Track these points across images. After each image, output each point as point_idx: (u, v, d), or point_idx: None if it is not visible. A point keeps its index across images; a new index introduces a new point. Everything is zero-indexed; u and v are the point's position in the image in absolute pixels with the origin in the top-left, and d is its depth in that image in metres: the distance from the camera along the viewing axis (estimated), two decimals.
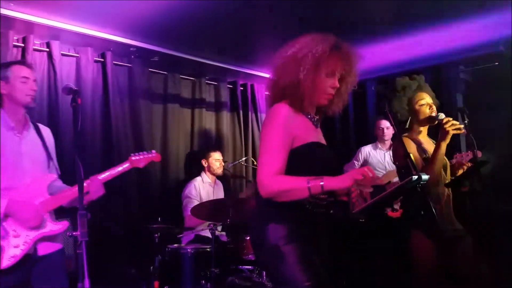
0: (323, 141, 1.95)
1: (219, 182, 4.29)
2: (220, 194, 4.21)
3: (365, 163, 4.58)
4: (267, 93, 1.96)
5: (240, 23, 3.55)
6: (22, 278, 2.19)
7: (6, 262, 2.12)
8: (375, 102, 4.95)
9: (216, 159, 4.17)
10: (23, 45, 3.44)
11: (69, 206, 2.38)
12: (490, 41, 3.92)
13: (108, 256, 3.48)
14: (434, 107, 2.65)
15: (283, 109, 1.79)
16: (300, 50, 1.80)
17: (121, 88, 4.05)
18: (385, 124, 4.21)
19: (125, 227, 3.76)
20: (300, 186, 1.69)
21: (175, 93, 4.49)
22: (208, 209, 3.42)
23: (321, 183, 1.66)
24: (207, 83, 4.80)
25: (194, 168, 4.31)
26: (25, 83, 2.30)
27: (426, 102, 2.64)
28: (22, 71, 2.32)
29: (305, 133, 1.82)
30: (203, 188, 4.08)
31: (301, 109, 1.84)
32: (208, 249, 3.27)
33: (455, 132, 2.45)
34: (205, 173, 4.18)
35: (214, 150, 4.27)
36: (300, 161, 1.78)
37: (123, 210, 3.82)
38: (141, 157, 2.67)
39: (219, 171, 4.20)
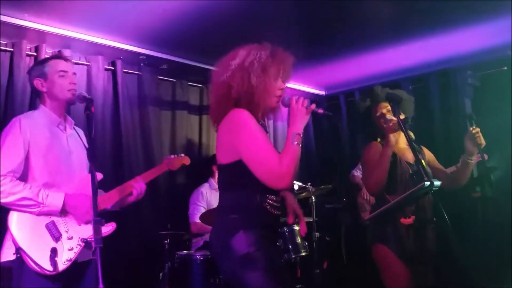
0: None
1: None
2: None
3: None
4: (213, 106, 1.99)
5: (245, 30, 3.56)
6: (74, 283, 2.12)
7: (62, 266, 2.03)
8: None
9: None
10: (35, 54, 3.49)
11: (112, 210, 2.37)
12: (498, 45, 3.91)
13: (119, 263, 3.50)
14: (388, 115, 2.52)
15: (247, 112, 1.83)
16: (244, 59, 1.88)
17: (131, 95, 4.10)
18: None
19: (135, 234, 3.78)
20: (294, 151, 1.78)
21: (183, 100, 4.53)
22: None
23: (295, 132, 1.80)
24: None
25: (202, 174, 4.32)
26: (63, 77, 2.22)
27: (380, 112, 2.57)
28: (60, 65, 2.25)
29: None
30: (211, 194, 4.08)
31: (256, 117, 1.88)
32: None
33: (391, 127, 2.38)
34: (214, 179, 4.18)
35: None
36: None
37: (133, 217, 3.84)
38: (173, 159, 2.74)
39: None
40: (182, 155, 2.85)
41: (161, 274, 3.35)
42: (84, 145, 2.32)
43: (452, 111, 4.33)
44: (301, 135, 1.82)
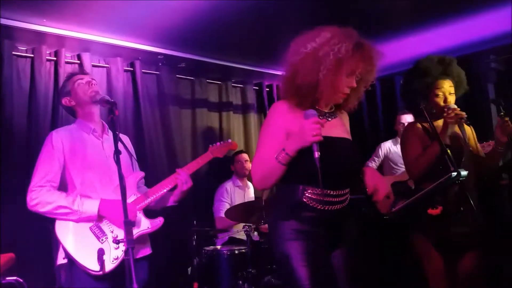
0: (336, 134, 1.83)
1: (250, 184, 4.31)
2: (252, 197, 4.24)
3: (386, 159, 4.48)
4: (281, 86, 1.90)
5: (263, 24, 3.56)
6: (122, 282, 2.06)
7: (110, 266, 2.06)
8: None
9: (245, 160, 4.20)
10: (55, 58, 3.55)
11: (156, 207, 2.40)
12: None
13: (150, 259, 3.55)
14: (450, 99, 2.45)
15: (280, 107, 1.81)
16: (321, 47, 1.70)
17: (151, 95, 4.14)
18: (405, 119, 4.09)
19: (162, 231, 3.82)
20: (271, 163, 1.72)
21: (203, 98, 4.56)
22: (240, 211, 3.45)
23: (283, 149, 1.69)
24: (233, 86, 4.85)
25: (223, 170, 4.34)
26: (82, 82, 2.32)
27: (442, 92, 2.45)
28: (75, 77, 2.36)
29: None
30: (234, 191, 4.12)
31: (310, 107, 1.75)
32: (243, 250, 3.30)
33: (454, 120, 2.29)
34: (236, 176, 4.21)
35: (240, 152, 4.27)
36: (297, 156, 1.71)
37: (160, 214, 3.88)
38: (219, 146, 2.71)
39: (248, 171, 4.22)
40: (229, 140, 2.79)
41: (189, 269, 3.41)
42: (125, 145, 2.35)
43: (476, 97, 4.23)
44: (289, 156, 1.68)
